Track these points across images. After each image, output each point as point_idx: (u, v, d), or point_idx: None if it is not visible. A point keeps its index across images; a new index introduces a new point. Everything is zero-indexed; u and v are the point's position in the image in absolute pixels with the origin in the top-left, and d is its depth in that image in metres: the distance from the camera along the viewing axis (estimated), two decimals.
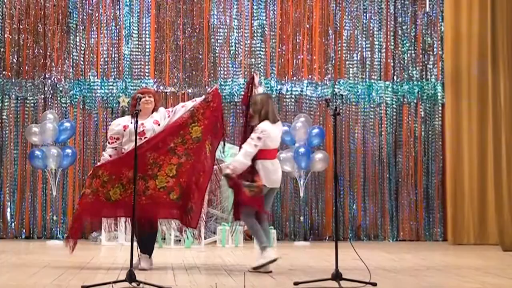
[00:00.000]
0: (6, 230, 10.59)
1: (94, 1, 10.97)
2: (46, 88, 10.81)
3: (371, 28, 11.27)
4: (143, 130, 6.56)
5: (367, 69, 11.23)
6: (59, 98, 10.83)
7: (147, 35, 11.02)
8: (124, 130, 6.66)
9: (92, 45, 10.95)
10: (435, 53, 11.28)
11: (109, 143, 6.76)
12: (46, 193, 10.67)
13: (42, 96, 10.82)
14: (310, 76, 11.14)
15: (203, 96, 6.89)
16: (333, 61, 11.18)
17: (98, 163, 6.72)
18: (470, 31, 10.56)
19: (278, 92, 11.01)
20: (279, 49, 11.14)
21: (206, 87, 10.99)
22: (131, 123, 6.41)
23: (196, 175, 6.53)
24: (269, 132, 6.60)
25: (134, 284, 5.27)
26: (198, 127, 6.52)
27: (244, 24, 11.12)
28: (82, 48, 10.94)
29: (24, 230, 10.65)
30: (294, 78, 11.12)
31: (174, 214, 6.57)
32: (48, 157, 9.92)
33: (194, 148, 6.51)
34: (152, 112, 6.78)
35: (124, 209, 6.46)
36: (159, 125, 6.68)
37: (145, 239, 6.67)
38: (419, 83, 11.23)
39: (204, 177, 6.57)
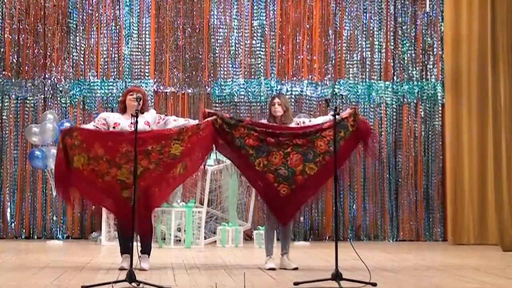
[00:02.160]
0: (6, 230, 10.60)
1: (94, 1, 10.97)
2: (46, 88, 10.82)
3: (371, 28, 11.27)
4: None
5: (367, 69, 11.24)
6: (59, 98, 10.84)
7: (147, 35, 11.02)
8: (114, 127, 6.61)
9: (92, 45, 10.95)
10: (435, 53, 11.29)
11: (94, 121, 6.69)
12: (46, 193, 10.67)
13: (42, 96, 10.83)
14: (310, 76, 11.14)
15: (197, 121, 6.83)
16: (333, 61, 11.18)
17: (78, 125, 6.63)
18: (470, 31, 10.57)
19: (278, 92, 11.01)
20: (279, 49, 11.15)
21: (206, 87, 11.00)
22: (131, 123, 6.36)
23: (157, 186, 6.37)
24: None
25: (134, 284, 5.27)
26: (179, 146, 6.41)
27: (244, 24, 11.13)
28: (82, 48, 10.94)
29: (24, 230, 10.66)
30: (294, 78, 11.13)
31: (116, 209, 6.40)
32: (48, 157, 9.92)
33: (167, 162, 6.36)
34: (142, 112, 6.69)
35: (80, 182, 6.32)
36: (149, 126, 6.62)
37: (143, 240, 6.67)
38: (419, 83, 11.24)
39: (160, 194, 6.42)
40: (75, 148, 6.32)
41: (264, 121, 6.94)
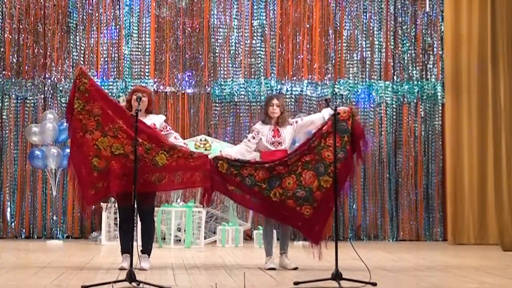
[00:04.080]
0: (6, 230, 10.60)
1: (94, 1, 10.97)
2: (46, 88, 10.82)
3: (371, 28, 11.27)
4: None
5: (367, 69, 11.24)
6: (59, 98, 10.84)
7: (147, 35, 11.02)
8: None
9: (92, 45, 10.96)
10: (435, 53, 11.29)
11: None
12: (46, 193, 10.67)
13: (42, 96, 10.83)
14: (310, 76, 11.14)
15: (195, 151, 6.73)
16: (333, 61, 11.18)
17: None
18: (470, 31, 10.57)
19: (278, 92, 11.00)
20: (279, 49, 11.15)
21: (206, 87, 11.00)
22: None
23: (126, 176, 6.23)
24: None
25: (134, 284, 5.27)
26: (165, 158, 6.34)
27: (244, 24, 11.13)
28: (82, 48, 10.94)
29: (24, 230, 10.66)
30: (294, 78, 11.13)
31: (79, 168, 6.40)
32: (48, 157, 9.93)
33: (147, 164, 6.27)
34: (150, 112, 6.70)
35: (70, 115, 6.42)
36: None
37: (143, 238, 6.67)
38: (419, 83, 11.24)
39: (123, 184, 6.28)
40: (77, 91, 6.36)
41: (264, 126, 6.87)
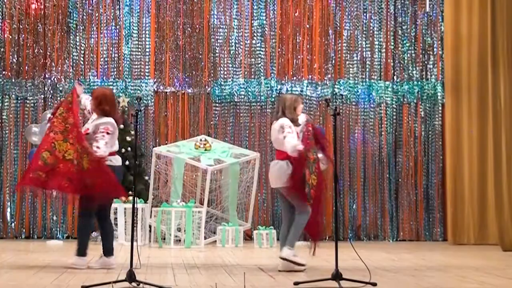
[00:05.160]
0: (6, 230, 10.60)
1: (94, 1, 10.98)
2: (46, 88, 10.82)
3: (371, 28, 11.27)
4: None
5: (367, 69, 11.24)
6: (59, 98, 10.82)
7: (147, 35, 11.02)
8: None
9: (92, 45, 10.96)
10: (435, 53, 11.29)
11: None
12: (46, 193, 10.62)
13: (42, 96, 10.83)
14: (310, 76, 11.14)
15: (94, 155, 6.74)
16: (333, 61, 11.18)
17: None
18: (470, 31, 10.57)
19: (278, 92, 11.01)
20: (279, 49, 11.15)
21: (206, 87, 11.00)
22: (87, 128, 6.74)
23: (69, 180, 6.57)
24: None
25: (134, 284, 5.27)
26: (86, 163, 6.48)
27: (244, 24, 11.13)
28: (82, 48, 10.94)
29: (24, 230, 10.66)
30: (294, 78, 11.13)
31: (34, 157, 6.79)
32: None
33: (80, 166, 6.50)
34: (102, 114, 6.75)
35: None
36: (87, 133, 6.66)
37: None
38: (419, 83, 11.24)
39: (68, 187, 6.64)
40: (65, 100, 6.99)
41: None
